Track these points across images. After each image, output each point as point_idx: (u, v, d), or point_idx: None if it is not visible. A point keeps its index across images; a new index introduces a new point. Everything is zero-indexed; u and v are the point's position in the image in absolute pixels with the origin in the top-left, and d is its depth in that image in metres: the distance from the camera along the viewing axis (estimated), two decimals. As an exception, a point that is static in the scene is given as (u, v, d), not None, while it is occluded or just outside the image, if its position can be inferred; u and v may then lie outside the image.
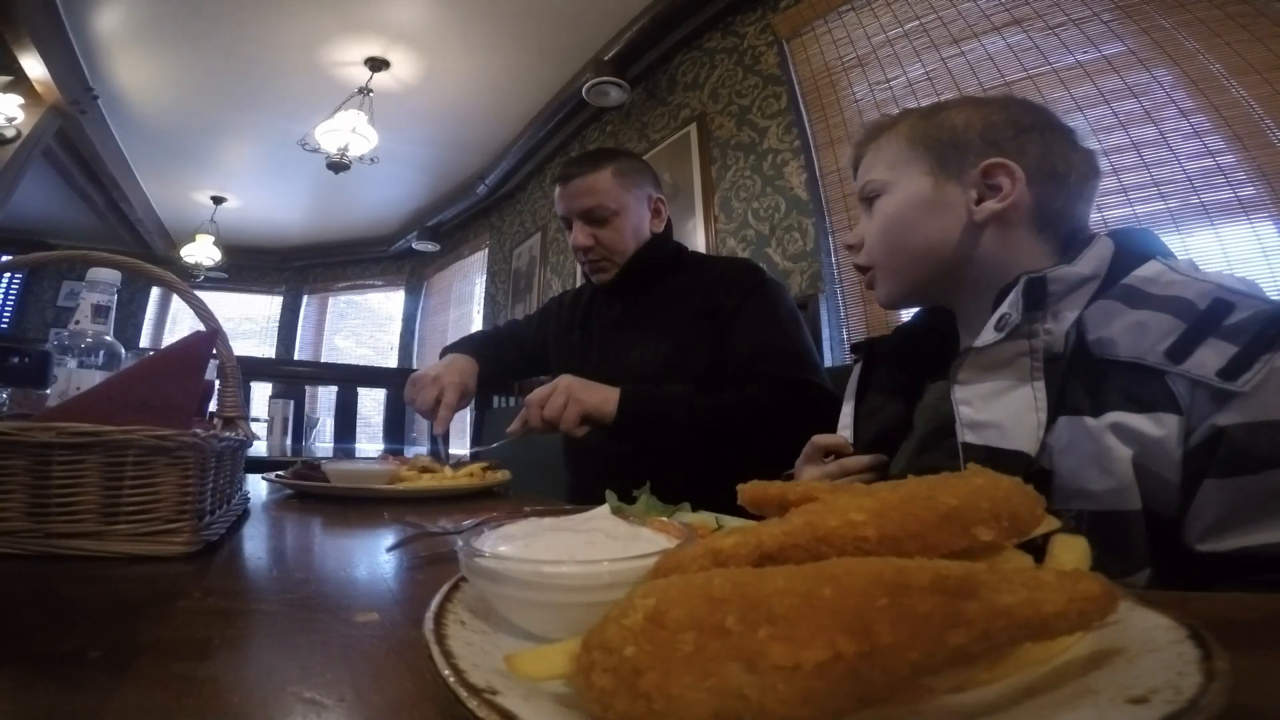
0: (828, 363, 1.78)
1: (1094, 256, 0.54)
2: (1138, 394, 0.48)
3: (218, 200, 4.75)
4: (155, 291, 5.63)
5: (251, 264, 5.78)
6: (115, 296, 0.71)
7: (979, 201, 0.61)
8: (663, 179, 1.62)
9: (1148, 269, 0.53)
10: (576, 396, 0.92)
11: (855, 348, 0.81)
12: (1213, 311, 0.47)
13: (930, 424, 0.63)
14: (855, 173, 0.72)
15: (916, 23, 1.92)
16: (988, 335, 0.54)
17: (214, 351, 0.58)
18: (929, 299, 0.71)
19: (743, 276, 1.13)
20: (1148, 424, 0.46)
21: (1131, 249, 0.55)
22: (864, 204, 0.69)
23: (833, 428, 0.76)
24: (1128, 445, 0.47)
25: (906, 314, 0.85)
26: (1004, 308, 0.54)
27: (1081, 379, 0.50)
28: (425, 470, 0.96)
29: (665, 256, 1.21)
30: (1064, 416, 0.50)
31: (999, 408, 0.53)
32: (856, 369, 0.78)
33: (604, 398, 0.94)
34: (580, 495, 1.17)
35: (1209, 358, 0.46)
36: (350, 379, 2.78)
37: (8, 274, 5.23)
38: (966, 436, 0.54)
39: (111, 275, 0.69)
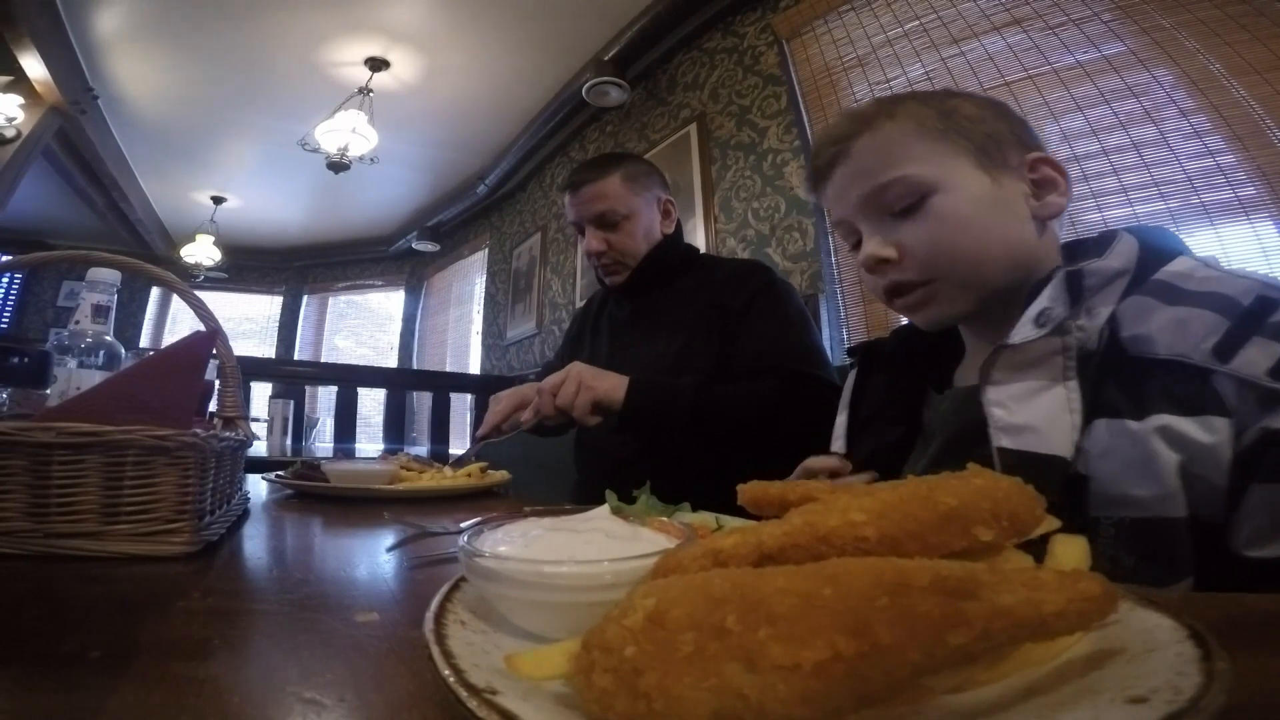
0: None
1: (1122, 252, 0.52)
2: (1182, 395, 0.45)
3: (218, 200, 4.75)
4: (155, 291, 5.63)
5: (251, 264, 5.78)
6: (115, 296, 0.71)
7: (1038, 197, 0.57)
8: (663, 179, 1.63)
9: (1180, 265, 0.50)
10: (588, 384, 0.93)
11: (850, 352, 0.77)
12: (1257, 308, 0.45)
13: (949, 431, 0.59)
14: (833, 172, 0.62)
15: (916, 23, 1.92)
16: (1025, 331, 0.50)
17: (214, 351, 0.58)
18: (987, 311, 0.60)
19: (751, 275, 1.14)
20: (1196, 429, 0.44)
21: (1155, 245, 0.53)
22: (878, 210, 0.59)
23: None
24: (1175, 451, 0.44)
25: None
26: (1042, 302, 0.50)
27: (1117, 378, 0.47)
28: (406, 469, 0.96)
29: (676, 257, 1.22)
30: (1102, 419, 0.47)
31: (1033, 410, 0.49)
32: (851, 376, 0.74)
33: (613, 385, 0.94)
34: (587, 494, 1.17)
35: (1258, 357, 0.43)
36: (350, 379, 2.77)
37: (8, 274, 5.23)
38: (1001, 441, 0.50)
39: (111, 275, 0.69)
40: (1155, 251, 0.52)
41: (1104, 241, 0.54)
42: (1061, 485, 0.46)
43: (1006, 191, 0.57)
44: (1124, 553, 0.45)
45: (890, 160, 0.58)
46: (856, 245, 0.63)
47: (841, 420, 0.73)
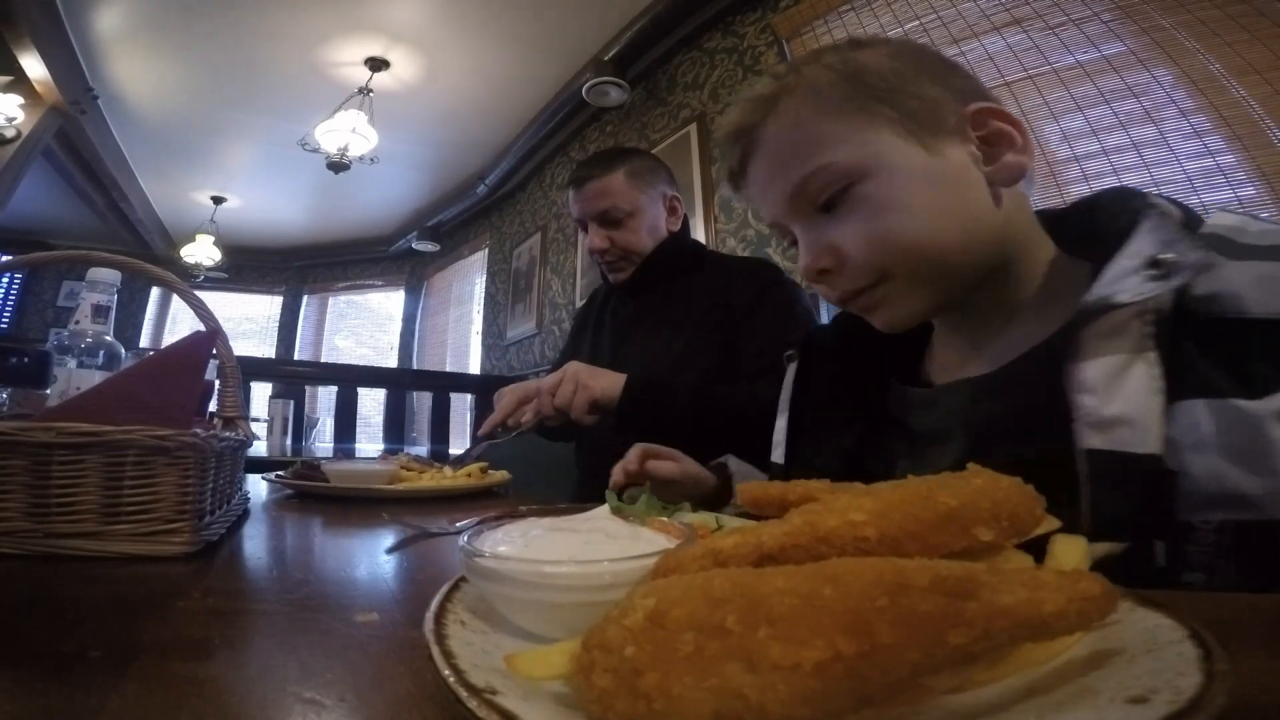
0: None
1: (1164, 203, 0.44)
2: None
3: (218, 200, 4.75)
4: (155, 291, 5.63)
5: (251, 264, 5.78)
6: (115, 296, 0.71)
7: (991, 159, 0.49)
8: (663, 179, 1.63)
9: (1225, 219, 0.43)
10: (584, 383, 0.92)
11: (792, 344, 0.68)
12: None
13: (968, 430, 0.50)
14: (749, 167, 0.55)
15: (916, 23, 1.92)
16: (1133, 285, 0.40)
17: (214, 351, 0.58)
18: (953, 304, 0.53)
19: (758, 273, 1.14)
20: None
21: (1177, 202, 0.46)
22: (806, 206, 0.52)
23: None
24: None
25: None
26: (1146, 247, 0.41)
27: (1200, 347, 0.39)
28: (406, 469, 0.96)
29: (682, 255, 1.21)
30: (1198, 400, 0.38)
31: (1124, 395, 0.39)
32: (791, 371, 0.65)
33: (610, 383, 0.94)
34: (587, 494, 1.17)
35: None
36: (350, 379, 2.78)
37: (8, 274, 5.23)
38: (1091, 441, 0.39)
39: (111, 275, 0.69)
40: (1184, 207, 0.45)
41: (1125, 195, 0.46)
42: (1152, 488, 0.38)
43: (949, 162, 0.48)
44: (1224, 561, 0.37)
45: (805, 147, 0.50)
46: (795, 245, 0.55)
47: (781, 424, 0.63)
